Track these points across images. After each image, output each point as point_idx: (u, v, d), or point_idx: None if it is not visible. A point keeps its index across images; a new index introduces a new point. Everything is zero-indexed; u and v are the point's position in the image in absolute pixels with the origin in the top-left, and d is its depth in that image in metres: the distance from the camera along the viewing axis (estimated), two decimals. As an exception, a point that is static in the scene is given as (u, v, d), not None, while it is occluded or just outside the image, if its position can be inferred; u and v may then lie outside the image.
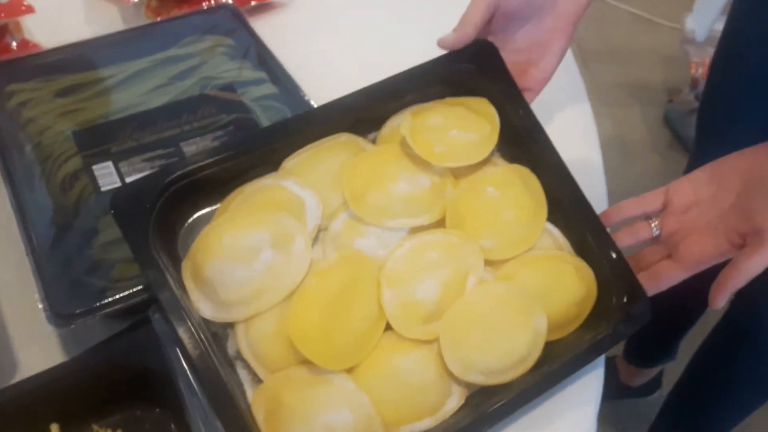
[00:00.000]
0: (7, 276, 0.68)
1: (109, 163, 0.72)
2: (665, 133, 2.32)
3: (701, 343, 1.29)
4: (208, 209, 0.64)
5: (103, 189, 0.69)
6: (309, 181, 0.65)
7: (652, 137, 2.31)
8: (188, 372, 0.52)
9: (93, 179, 0.71)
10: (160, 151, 0.74)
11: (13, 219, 0.66)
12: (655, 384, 1.59)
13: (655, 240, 0.69)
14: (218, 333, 0.60)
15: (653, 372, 1.56)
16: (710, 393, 1.24)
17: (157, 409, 0.58)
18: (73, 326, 0.59)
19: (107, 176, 0.71)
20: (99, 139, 0.74)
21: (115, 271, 0.66)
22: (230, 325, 0.60)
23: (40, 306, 0.59)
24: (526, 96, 0.73)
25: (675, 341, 1.48)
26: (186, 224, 0.63)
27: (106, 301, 0.62)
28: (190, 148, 0.73)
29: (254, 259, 0.59)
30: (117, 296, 0.62)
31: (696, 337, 1.37)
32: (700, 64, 2.27)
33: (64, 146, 0.74)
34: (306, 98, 0.79)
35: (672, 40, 2.52)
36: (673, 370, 1.53)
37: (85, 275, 0.65)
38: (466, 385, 0.61)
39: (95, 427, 0.56)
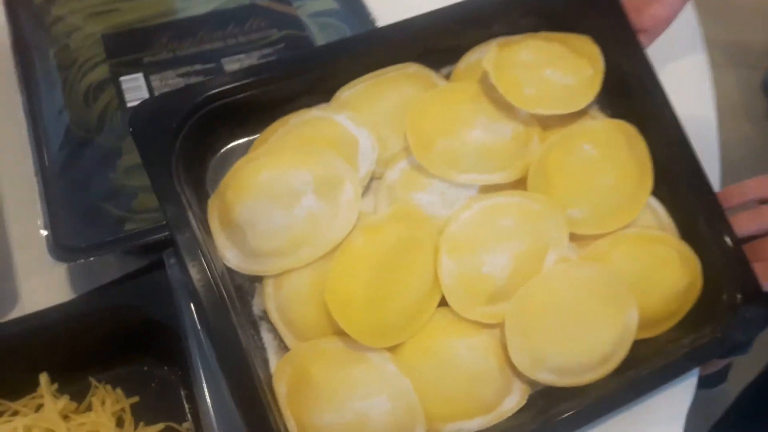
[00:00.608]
0: (16, 196, 0.60)
1: (140, 75, 0.63)
2: (762, 100, 2.09)
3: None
4: (245, 139, 0.54)
5: (129, 104, 0.61)
6: (366, 117, 0.54)
7: (747, 104, 2.09)
8: (200, 330, 0.42)
9: (119, 92, 0.61)
10: (198, 66, 0.64)
11: (26, 130, 0.58)
12: (720, 376, 1.46)
13: None
14: (244, 287, 0.51)
15: (720, 363, 1.42)
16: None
17: (166, 367, 0.50)
18: (81, 261, 0.51)
19: (135, 90, 0.62)
20: (131, 47, 0.65)
21: (138, 200, 0.57)
22: (258, 279, 0.51)
23: (44, 234, 0.50)
24: (641, 39, 0.59)
25: (751, 335, 1.33)
26: (218, 155, 0.54)
27: (121, 235, 0.53)
28: (232, 65, 0.63)
29: (294, 204, 0.49)
30: (135, 230, 0.54)
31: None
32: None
33: (91, 51, 0.64)
34: (371, 17, 0.67)
35: (779, -3, 2.24)
36: (741, 364, 1.40)
37: (101, 201, 0.56)
38: (531, 383, 0.51)
39: (92, 380, 0.48)
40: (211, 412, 0.41)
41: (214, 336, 0.44)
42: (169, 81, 0.62)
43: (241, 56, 0.65)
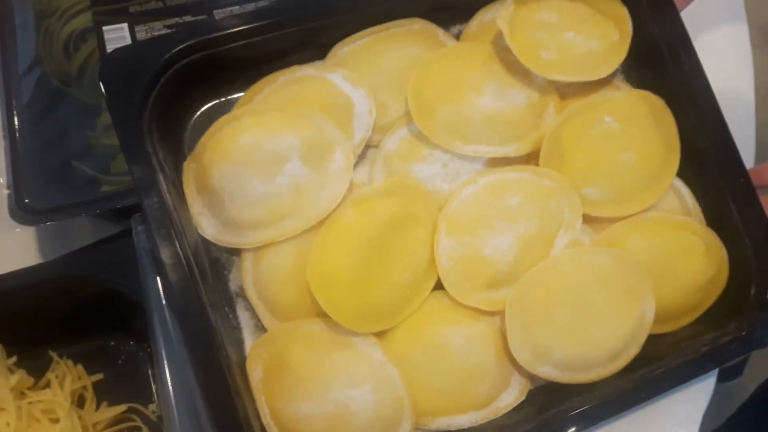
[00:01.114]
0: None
1: (124, 26, 0.58)
2: (799, 85, 1.99)
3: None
4: (230, 96, 0.49)
5: (110, 56, 0.55)
6: (364, 78, 0.48)
7: (783, 88, 1.99)
8: (165, 306, 0.38)
9: (102, 43, 0.56)
10: (188, 18, 0.59)
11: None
12: (736, 370, 1.40)
13: None
14: (221, 260, 0.46)
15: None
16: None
17: (133, 343, 0.46)
18: (47, 224, 0.47)
19: (119, 41, 0.57)
20: (117, -6, 0.59)
21: (117, 161, 0.53)
22: (237, 252, 0.46)
23: (5, 193, 0.46)
24: (676, 1, 0.53)
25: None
26: (199, 113, 0.49)
27: (91, 197, 0.49)
28: (224, 17, 0.58)
29: (277, 171, 0.44)
30: (106, 193, 0.50)
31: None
32: None
33: (75, -3, 0.59)
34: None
35: (829, -24, 2.12)
36: (759, 359, 1.34)
37: (76, 160, 0.52)
38: (531, 378, 0.46)
39: (53, 354, 0.44)
40: (171, 395, 0.37)
41: (180, 314, 0.40)
42: (156, 32, 0.57)
43: (236, 8, 0.59)
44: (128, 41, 0.57)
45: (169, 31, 0.58)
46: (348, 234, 0.44)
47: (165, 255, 0.40)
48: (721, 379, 1.54)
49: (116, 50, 0.45)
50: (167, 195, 0.42)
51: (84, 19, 0.58)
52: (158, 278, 0.40)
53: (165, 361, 0.38)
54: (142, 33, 0.57)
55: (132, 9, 0.59)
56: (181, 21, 0.58)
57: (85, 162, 0.52)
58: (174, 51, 0.45)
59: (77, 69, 0.57)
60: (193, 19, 0.59)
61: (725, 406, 1.32)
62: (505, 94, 0.49)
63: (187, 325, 0.40)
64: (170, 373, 0.38)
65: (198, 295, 0.41)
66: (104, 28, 0.57)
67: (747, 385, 1.28)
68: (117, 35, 0.57)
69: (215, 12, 0.59)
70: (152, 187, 0.42)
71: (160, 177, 0.43)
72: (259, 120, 0.45)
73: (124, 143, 0.42)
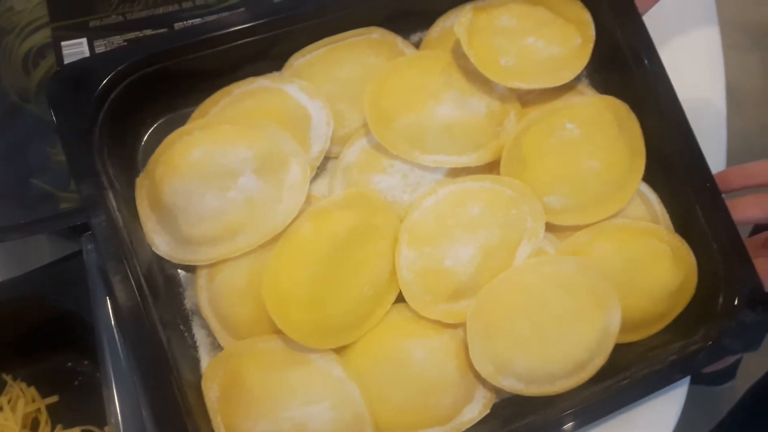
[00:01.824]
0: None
1: (83, 41, 0.57)
2: (786, 87, 1.99)
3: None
4: (185, 110, 0.48)
5: (68, 72, 0.54)
6: (321, 88, 0.48)
7: (769, 89, 1.99)
8: (113, 327, 0.37)
9: (60, 58, 0.56)
10: (148, 31, 0.58)
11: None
12: (729, 373, 1.39)
13: None
14: (176, 277, 0.46)
15: (729, 360, 1.36)
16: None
17: (87, 363, 0.45)
18: (3, 242, 0.46)
19: (77, 56, 0.55)
20: (77, 9, 0.58)
21: (76, 178, 0.52)
22: (192, 269, 0.45)
23: (-45, 210, 0.45)
24: (639, 3, 0.52)
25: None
26: (154, 127, 0.48)
27: (49, 214, 0.48)
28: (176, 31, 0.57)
29: (230, 186, 0.44)
30: (65, 210, 0.49)
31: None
32: None
33: (34, 13, 0.58)
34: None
35: (815, -24, 2.12)
36: (752, 361, 1.33)
37: (34, 175, 0.51)
38: (496, 390, 0.45)
39: (6, 377, 0.43)
40: (120, 418, 0.36)
41: (129, 335, 0.39)
42: (116, 47, 0.57)
43: (197, 21, 0.58)
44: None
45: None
46: (305, 248, 0.44)
47: (114, 274, 0.39)
48: (714, 383, 1.54)
49: (65, 66, 0.45)
50: (117, 213, 0.42)
51: (44, 35, 0.58)
52: (108, 299, 0.39)
53: (114, 385, 0.37)
54: (101, 48, 0.57)
55: (92, 24, 0.58)
56: (142, 35, 0.58)
57: (44, 178, 0.51)
58: (124, 65, 0.44)
59: (36, 85, 0.56)
60: (154, 32, 0.58)
61: (718, 410, 1.31)
62: (465, 102, 0.48)
63: (137, 347, 0.39)
64: (119, 397, 0.37)
65: (149, 316, 0.40)
66: (63, 43, 0.57)
67: (741, 388, 1.27)
68: (76, 50, 0.56)
69: (176, 25, 0.58)
70: (101, 204, 0.41)
71: (110, 194, 0.42)
72: (212, 133, 0.44)
73: (72, 160, 0.42)
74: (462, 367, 0.45)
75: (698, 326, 0.47)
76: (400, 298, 0.45)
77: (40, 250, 0.52)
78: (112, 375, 0.37)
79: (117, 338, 0.38)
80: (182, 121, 0.47)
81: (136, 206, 0.44)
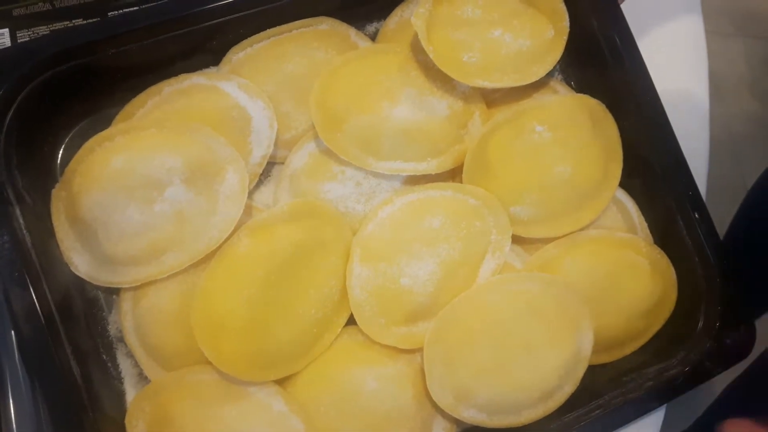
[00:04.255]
0: None
1: (5, 31, 0.51)
2: (769, 74, 1.96)
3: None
4: (111, 110, 0.43)
5: (-14, 65, 0.49)
6: (263, 86, 0.43)
7: (753, 77, 1.96)
8: (17, 362, 0.33)
9: (-23, 50, 0.50)
10: (78, 21, 0.52)
11: None
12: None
13: None
14: (99, 300, 0.41)
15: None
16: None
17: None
18: None
19: (-2, 47, 0.50)
20: (-1, -5, 0.53)
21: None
22: (117, 291, 0.40)
23: None
24: (617, -9, 0.48)
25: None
26: (74, 131, 0.43)
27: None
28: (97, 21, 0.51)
29: (156, 198, 0.39)
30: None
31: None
32: (830, -8, 1.87)
33: (-49, 0, 0.53)
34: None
35: (799, -39, 2.09)
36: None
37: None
38: (456, 422, 0.41)
39: None
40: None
41: (34, 372, 0.34)
42: (38, 37, 0.51)
43: (134, 9, 0.53)
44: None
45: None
46: (242, 267, 0.39)
47: (17, 304, 0.35)
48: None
49: (-32, 62, 0.39)
50: (24, 231, 0.37)
51: (-38, 23, 0.52)
52: (12, 331, 0.34)
53: (14, 427, 0.33)
54: (25, 38, 0.51)
55: (15, 12, 0.52)
56: (71, 24, 0.52)
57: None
58: (37, 60, 0.39)
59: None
60: (85, 22, 0.52)
61: (694, 403, 1.29)
62: (424, 102, 0.43)
63: (44, 386, 0.34)
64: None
65: (59, 350, 0.35)
66: (-18, 33, 0.51)
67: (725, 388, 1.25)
68: (-4, 41, 0.51)
69: (111, 14, 0.53)
70: (3, 223, 0.36)
71: (17, 210, 0.37)
72: (135, 139, 0.39)
73: (-29, 171, 0.36)
74: (419, 397, 0.40)
75: (677, 347, 0.44)
76: (351, 321, 0.41)
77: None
78: (13, 417, 0.33)
79: (21, 374, 0.33)
80: (107, 123, 0.42)
81: (52, 221, 0.39)
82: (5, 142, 0.38)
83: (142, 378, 0.40)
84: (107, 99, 0.43)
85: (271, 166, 0.44)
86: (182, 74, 0.43)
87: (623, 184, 0.46)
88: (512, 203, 0.43)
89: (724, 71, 1.95)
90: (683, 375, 0.42)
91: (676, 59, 0.59)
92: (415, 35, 0.44)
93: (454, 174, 0.44)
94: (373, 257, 0.41)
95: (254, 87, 0.42)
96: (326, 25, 0.45)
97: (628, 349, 0.45)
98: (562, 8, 0.46)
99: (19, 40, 0.51)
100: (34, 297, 0.35)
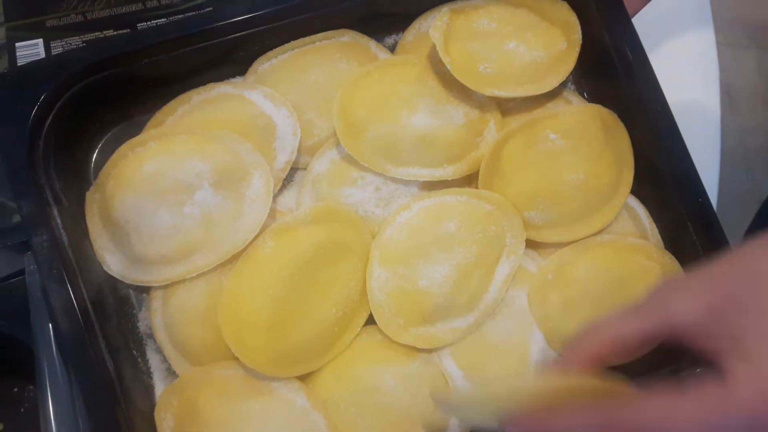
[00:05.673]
0: None
1: (39, 41, 0.53)
2: (783, 86, 1.96)
3: None
4: (142, 117, 0.45)
5: (22, 75, 0.51)
6: (287, 95, 0.45)
7: (766, 88, 1.96)
8: (55, 354, 0.34)
9: (14, 60, 0.52)
10: (109, 32, 0.54)
11: None
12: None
13: None
14: (129, 298, 0.43)
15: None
16: None
17: (32, 387, 0.42)
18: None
19: (32, 58, 0.52)
20: (34, 7, 0.55)
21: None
22: (147, 290, 0.42)
23: None
24: (628, 5, 0.49)
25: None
26: (108, 136, 0.45)
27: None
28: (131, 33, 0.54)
29: (185, 201, 0.41)
30: (17, 224, 0.46)
31: None
32: (844, 4, 1.87)
33: (-11, 12, 0.55)
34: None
35: (813, -26, 2.09)
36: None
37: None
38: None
39: (-58, 407, 0.40)
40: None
41: (70, 362, 0.36)
42: (74, 48, 0.53)
43: (161, 21, 0.55)
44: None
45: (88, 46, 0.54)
46: (267, 268, 0.41)
47: (55, 299, 0.36)
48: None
49: (8, 71, 0.41)
50: (62, 231, 0.39)
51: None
52: (50, 324, 0.36)
53: (52, 417, 0.34)
54: (58, 49, 0.53)
55: (49, 23, 0.55)
56: (102, 35, 0.54)
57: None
58: (74, 70, 0.41)
59: (-10, 89, 0.53)
60: (115, 33, 0.55)
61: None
62: (441, 111, 0.45)
63: (80, 377, 0.36)
64: (58, 430, 0.34)
65: (94, 343, 0.37)
66: (17, 44, 0.53)
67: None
68: (30, 52, 0.53)
69: (140, 25, 0.55)
70: (42, 222, 0.38)
71: (54, 211, 0.39)
72: (166, 145, 0.41)
73: (12, 174, 0.38)
74: (436, 395, 0.42)
75: (685, 352, 0.44)
76: (370, 321, 0.42)
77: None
78: (50, 407, 0.34)
79: (58, 366, 0.35)
80: (138, 129, 0.44)
81: (86, 222, 0.41)
82: (44, 146, 0.40)
83: (171, 373, 0.41)
84: (139, 107, 0.45)
85: (294, 171, 0.46)
86: (210, 83, 0.45)
87: (635, 192, 0.47)
88: (526, 208, 0.44)
89: (738, 83, 1.95)
90: (694, 376, 0.43)
91: (688, 71, 0.60)
92: (433, 47, 0.45)
93: (470, 180, 0.45)
94: (391, 260, 0.43)
95: (279, 96, 0.44)
96: (348, 37, 0.47)
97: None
98: (575, 21, 0.47)
99: (52, 50, 0.54)
100: (71, 293, 0.37)
